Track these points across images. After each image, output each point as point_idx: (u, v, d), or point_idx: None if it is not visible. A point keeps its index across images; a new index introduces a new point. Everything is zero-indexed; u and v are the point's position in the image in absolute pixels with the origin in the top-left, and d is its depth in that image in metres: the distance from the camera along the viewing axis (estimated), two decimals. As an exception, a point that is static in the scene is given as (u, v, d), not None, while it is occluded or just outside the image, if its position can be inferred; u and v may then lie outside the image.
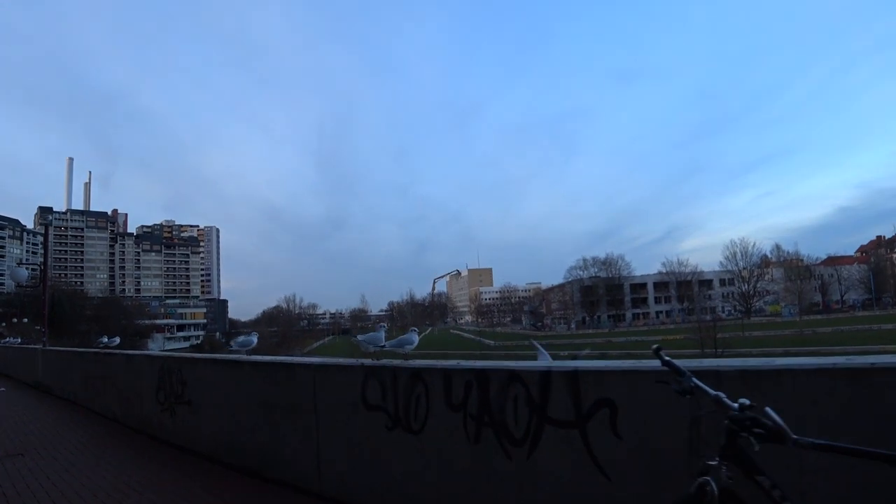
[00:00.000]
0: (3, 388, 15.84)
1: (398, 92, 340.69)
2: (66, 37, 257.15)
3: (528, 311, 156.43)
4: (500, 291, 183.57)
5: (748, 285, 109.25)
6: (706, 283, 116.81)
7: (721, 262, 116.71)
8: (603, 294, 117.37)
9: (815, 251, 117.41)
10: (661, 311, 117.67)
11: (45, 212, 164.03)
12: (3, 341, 45.07)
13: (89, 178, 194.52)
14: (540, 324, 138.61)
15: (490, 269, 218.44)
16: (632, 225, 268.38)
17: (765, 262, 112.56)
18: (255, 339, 7.23)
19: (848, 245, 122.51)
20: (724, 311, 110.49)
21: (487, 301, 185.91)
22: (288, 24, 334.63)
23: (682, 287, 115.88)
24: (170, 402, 7.79)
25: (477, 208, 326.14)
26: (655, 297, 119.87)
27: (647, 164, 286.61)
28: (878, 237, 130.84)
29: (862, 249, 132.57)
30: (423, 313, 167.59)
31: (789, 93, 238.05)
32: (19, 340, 44.76)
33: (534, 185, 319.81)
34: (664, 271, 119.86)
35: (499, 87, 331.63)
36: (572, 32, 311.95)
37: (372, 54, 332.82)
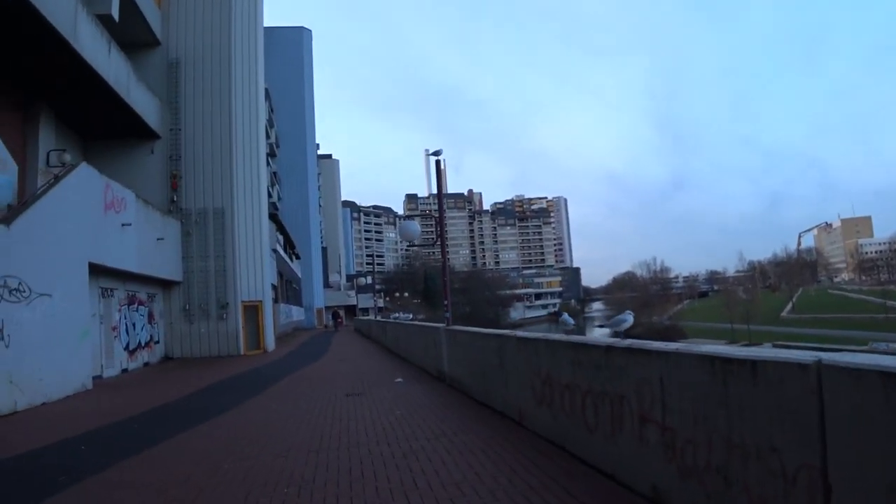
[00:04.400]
0: (399, 379, 13.17)
1: (730, 32, 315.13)
2: (407, 48, 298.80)
3: None
4: (888, 242, 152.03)
5: None
6: None
7: None
8: None
9: None
10: None
11: (411, 198, 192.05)
12: (392, 316, 42.52)
13: (444, 165, 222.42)
14: None
15: (869, 218, 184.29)
16: None
17: None
18: (630, 318, 6.29)
19: None
20: None
21: (871, 254, 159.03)
22: None
23: None
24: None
25: (836, 150, 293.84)
26: None
27: None
28: None
29: None
30: (790, 272, 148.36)
31: None
32: (410, 316, 45.83)
33: None
34: None
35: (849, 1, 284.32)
36: None
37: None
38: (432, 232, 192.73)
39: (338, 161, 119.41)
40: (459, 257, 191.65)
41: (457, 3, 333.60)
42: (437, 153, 12.77)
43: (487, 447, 6.33)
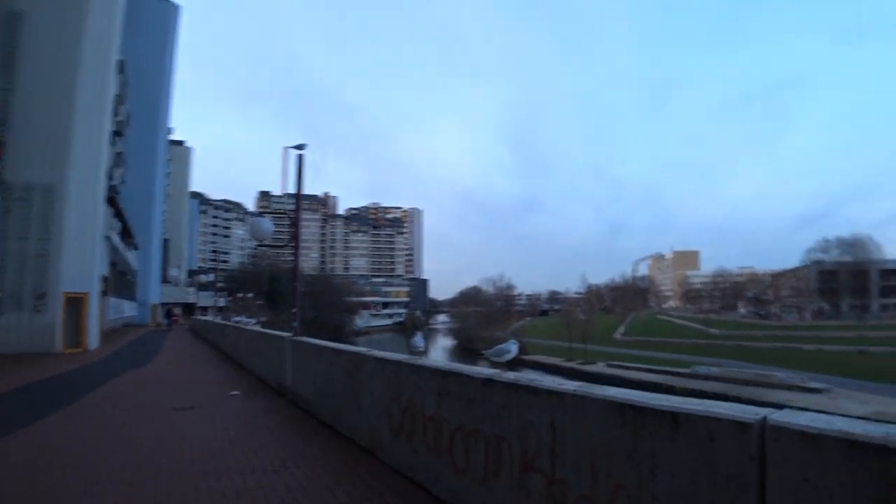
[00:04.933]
0: (236, 392, 11.91)
1: (592, 71, 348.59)
2: (277, 41, 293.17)
3: (751, 297, 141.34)
4: (710, 276, 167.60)
5: None
6: None
7: None
8: (847, 280, 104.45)
9: None
10: None
11: (264, 195, 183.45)
12: (233, 320, 38.86)
13: (304, 161, 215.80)
14: (764, 312, 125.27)
15: (697, 252, 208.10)
16: (850, 206, 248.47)
17: None
18: (515, 348, 5.39)
19: None
20: None
21: (696, 286, 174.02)
22: (478, 10, 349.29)
23: None
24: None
25: (677, 189, 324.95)
26: None
27: (872, 138, 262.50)
28: None
29: None
30: (624, 297, 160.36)
31: None
32: (254, 321, 41.60)
33: (739, 163, 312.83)
34: None
35: (701, 59, 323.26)
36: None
37: (564, 34, 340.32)
38: (284, 233, 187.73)
39: (191, 149, 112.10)
40: (308, 260, 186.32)
41: (332, 3, 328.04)
42: (300, 147, 11.65)
43: (336, 484, 5.46)
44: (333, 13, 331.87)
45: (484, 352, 5.28)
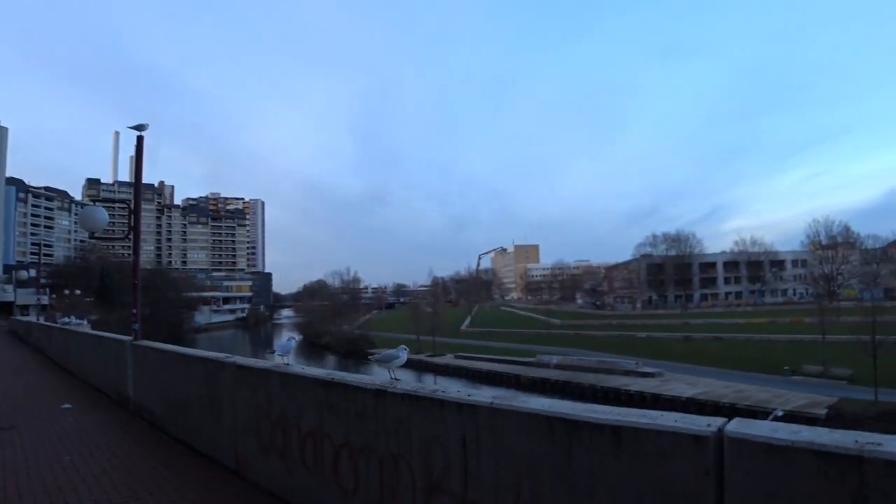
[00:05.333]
0: (68, 405, 10.32)
1: (439, 67, 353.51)
2: (115, 15, 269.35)
3: (588, 288, 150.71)
4: (550, 268, 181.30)
5: (832, 266, 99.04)
6: (777, 264, 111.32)
7: (802, 242, 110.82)
8: (672, 273, 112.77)
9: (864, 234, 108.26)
10: (731, 292, 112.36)
11: (93, 183, 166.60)
12: (60, 320, 36.08)
13: (135, 152, 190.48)
14: (599, 302, 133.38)
15: (537, 246, 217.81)
16: (672, 204, 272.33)
17: (831, 243, 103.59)
18: (404, 354, 4.21)
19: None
20: (795, 294, 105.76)
21: (537, 278, 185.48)
22: (329, 2, 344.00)
23: (752, 267, 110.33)
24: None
25: (517, 185, 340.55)
26: (725, 278, 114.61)
27: (693, 143, 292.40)
28: None
29: None
30: (468, 289, 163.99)
31: (846, 70, 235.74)
32: (85, 322, 37.38)
33: (576, 162, 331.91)
34: (736, 250, 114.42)
35: (544, 62, 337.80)
36: (620, 6, 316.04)
37: (414, 29, 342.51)
38: (116, 223, 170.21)
39: (6, 129, 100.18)
40: (143, 253, 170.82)
41: None
42: (139, 127, 10.30)
43: (197, 514, 4.67)
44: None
45: (370, 356, 4.71)
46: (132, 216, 10.67)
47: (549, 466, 2.63)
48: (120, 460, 6.58)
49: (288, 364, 5.18)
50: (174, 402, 7.61)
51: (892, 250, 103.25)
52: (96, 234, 11.09)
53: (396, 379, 3.89)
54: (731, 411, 35.92)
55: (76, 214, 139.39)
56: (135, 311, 10.37)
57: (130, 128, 10.08)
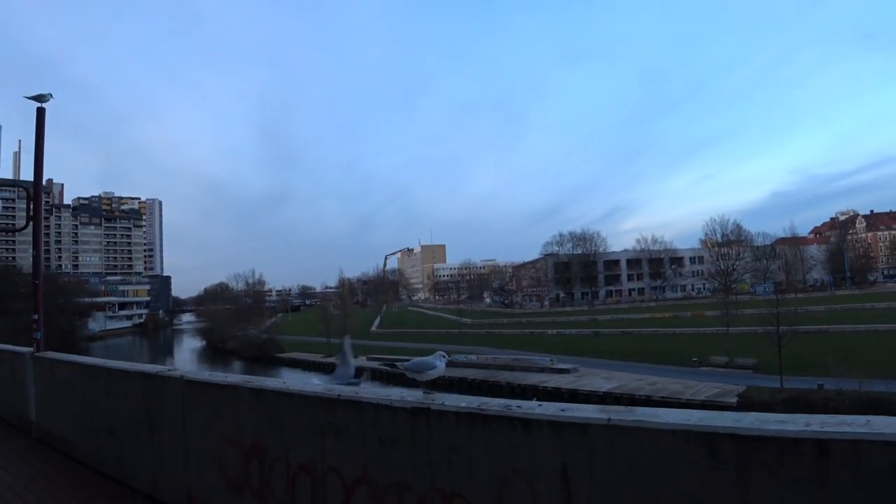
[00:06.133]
0: None
1: (344, 65, 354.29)
2: None
3: (496, 287, 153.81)
4: (457, 268, 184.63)
5: (728, 262, 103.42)
6: (677, 261, 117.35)
7: (700, 239, 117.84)
8: (578, 271, 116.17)
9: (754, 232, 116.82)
10: (634, 289, 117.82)
11: None
12: None
13: (19, 148, 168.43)
14: (508, 301, 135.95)
15: (443, 246, 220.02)
16: (575, 204, 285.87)
17: (726, 241, 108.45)
18: (442, 363, 3.36)
19: (781, 228, 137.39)
20: (693, 290, 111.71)
21: (444, 278, 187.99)
22: None
23: (654, 264, 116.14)
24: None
25: (423, 185, 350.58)
26: (628, 275, 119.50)
27: (591, 146, 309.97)
28: (833, 219, 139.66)
29: (816, 231, 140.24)
30: (376, 290, 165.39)
31: (731, 78, 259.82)
32: None
33: (481, 163, 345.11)
34: (638, 248, 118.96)
35: (446, 63, 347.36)
36: (522, 10, 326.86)
37: (318, 25, 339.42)
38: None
39: None
40: (29, 256, 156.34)
41: None
42: (41, 98, 8.73)
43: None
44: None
45: (399, 365, 3.74)
46: (31, 203, 8.95)
47: (712, 500, 1.96)
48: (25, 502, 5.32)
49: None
50: (96, 428, 6.27)
51: (779, 246, 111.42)
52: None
53: (429, 392, 3.10)
54: (646, 404, 37.09)
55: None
56: (36, 316, 8.79)
57: (29, 98, 8.52)
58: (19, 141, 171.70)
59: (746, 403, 33.90)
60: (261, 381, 4.09)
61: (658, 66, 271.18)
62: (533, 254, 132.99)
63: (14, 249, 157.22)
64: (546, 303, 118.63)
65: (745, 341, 48.70)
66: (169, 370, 5.20)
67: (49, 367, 7.78)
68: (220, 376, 4.66)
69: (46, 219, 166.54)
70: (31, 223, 9.16)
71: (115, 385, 5.99)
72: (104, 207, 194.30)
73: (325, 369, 67.92)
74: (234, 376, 4.58)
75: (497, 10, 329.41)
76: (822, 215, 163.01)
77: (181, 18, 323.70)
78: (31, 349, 8.45)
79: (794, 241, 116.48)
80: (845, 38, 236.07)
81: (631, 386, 41.25)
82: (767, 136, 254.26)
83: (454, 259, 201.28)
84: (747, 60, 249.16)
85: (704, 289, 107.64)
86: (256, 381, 4.14)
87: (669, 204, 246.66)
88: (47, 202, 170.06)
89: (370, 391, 3.31)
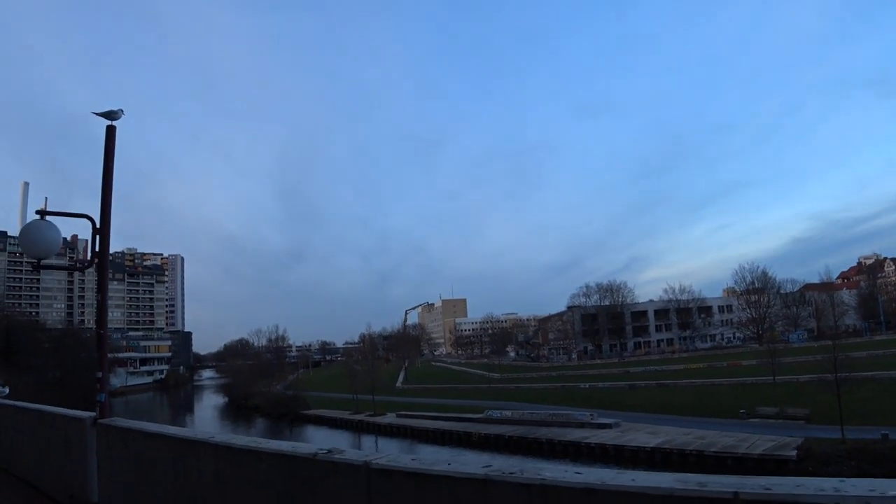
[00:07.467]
0: None
1: (361, 124, 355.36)
2: (24, 63, 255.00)
3: (522, 340, 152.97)
4: (479, 322, 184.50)
5: (760, 310, 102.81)
6: (705, 310, 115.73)
7: (724, 288, 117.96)
8: (606, 322, 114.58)
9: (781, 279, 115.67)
10: (662, 339, 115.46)
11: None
12: None
13: (45, 204, 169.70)
14: (534, 354, 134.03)
15: (464, 300, 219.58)
16: (593, 256, 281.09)
17: (753, 288, 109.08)
18: None
19: (803, 274, 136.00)
20: (724, 339, 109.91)
21: (466, 332, 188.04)
22: (251, 55, 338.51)
23: (682, 314, 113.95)
24: None
25: (440, 239, 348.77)
26: (656, 325, 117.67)
27: (607, 198, 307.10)
28: (859, 263, 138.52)
29: (844, 276, 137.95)
30: (397, 345, 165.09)
31: (745, 128, 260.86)
32: (7, 391, 30.30)
33: (498, 216, 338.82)
34: (666, 298, 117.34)
35: (462, 121, 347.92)
36: (536, 68, 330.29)
37: (336, 86, 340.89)
38: (23, 280, 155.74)
39: None
40: (53, 312, 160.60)
41: (88, 31, 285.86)
42: (111, 114, 7.69)
43: None
44: (84, 36, 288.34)
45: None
46: (96, 237, 7.69)
47: None
48: None
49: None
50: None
51: (808, 293, 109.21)
52: (43, 261, 7.59)
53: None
54: (699, 459, 35.49)
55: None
56: (100, 374, 7.44)
57: (98, 114, 7.71)
58: (45, 198, 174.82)
59: (806, 456, 32.23)
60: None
61: (671, 120, 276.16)
62: (554, 306, 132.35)
63: (38, 305, 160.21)
64: (574, 356, 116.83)
65: (790, 390, 46.77)
66: (334, 451, 3.43)
67: (120, 437, 6.31)
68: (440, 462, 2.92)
69: (70, 274, 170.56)
70: (95, 260, 7.77)
71: (230, 468, 4.29)
72: (127, 263, 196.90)
73: (353, 427, 67.32)
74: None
75: (511, 67, 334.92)
76: (844, 261, 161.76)
77: (199, 79, 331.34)
78: (93, 414, 7.13)
79: (824, 287, 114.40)
80: (856, 84, 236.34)
81: (679, 441, 39.45)
82: (784, 183, 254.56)
83: (475, 313, 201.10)
84: (758, 111, 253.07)
85: (734, 338, 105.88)
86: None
87: (688, 254, 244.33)
88: (72, 258, 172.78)
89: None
